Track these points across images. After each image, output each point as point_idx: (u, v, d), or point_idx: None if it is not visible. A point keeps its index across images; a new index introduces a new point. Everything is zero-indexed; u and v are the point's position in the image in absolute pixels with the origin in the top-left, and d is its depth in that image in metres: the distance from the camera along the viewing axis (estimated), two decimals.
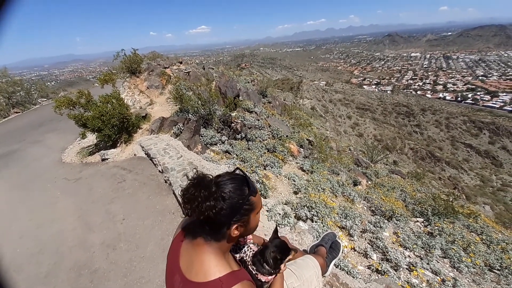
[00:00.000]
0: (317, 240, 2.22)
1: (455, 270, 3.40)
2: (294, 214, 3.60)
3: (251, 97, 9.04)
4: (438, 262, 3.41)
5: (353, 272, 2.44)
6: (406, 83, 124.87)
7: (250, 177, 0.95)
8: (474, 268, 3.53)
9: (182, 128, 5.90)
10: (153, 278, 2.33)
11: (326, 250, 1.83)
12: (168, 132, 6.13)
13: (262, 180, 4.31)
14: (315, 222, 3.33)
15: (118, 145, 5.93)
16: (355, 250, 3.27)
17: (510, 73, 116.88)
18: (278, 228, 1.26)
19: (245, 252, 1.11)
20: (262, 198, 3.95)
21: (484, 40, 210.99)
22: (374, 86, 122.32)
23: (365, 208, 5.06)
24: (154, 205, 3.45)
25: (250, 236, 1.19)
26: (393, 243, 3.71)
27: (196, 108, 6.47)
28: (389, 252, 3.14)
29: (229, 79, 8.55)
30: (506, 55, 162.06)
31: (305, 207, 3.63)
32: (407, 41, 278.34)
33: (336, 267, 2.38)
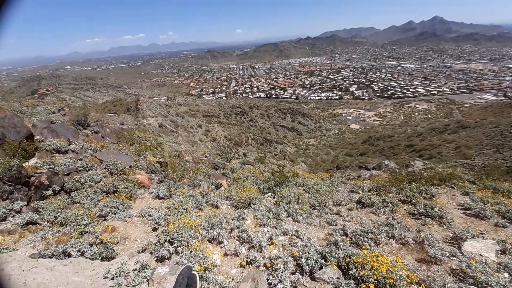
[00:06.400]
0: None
1: (296, 222, 4.46)
2: (155, 258, 3.00)
3: (59, 132, 6.65)
4: (285, 223, 4.29)
5: (225, 284, 2.39)
6: (233, 89, 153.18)
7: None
8: (305, 213, 4.83)
9: None
10: None
11: None
12: None
13: (100, 239, 3.21)
14: (180, 253, 2.95)
15: None
16: (227, 255, 3.31)
17: (288, 75, 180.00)
18: None
19: None
20: (106, 261, 2.94)
21: (268, 54, 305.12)
22: (211, 95, 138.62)
23: (229, 206, 5.39)
24: None
25: None
26: (255, 226, 4.20)
27: None
28: (253, 239, 3.48)
29: (8, 115, 5.66)
30: (282, 62, 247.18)
31: (166, 243, 3.14)
32: (224, 56, 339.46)
33: None
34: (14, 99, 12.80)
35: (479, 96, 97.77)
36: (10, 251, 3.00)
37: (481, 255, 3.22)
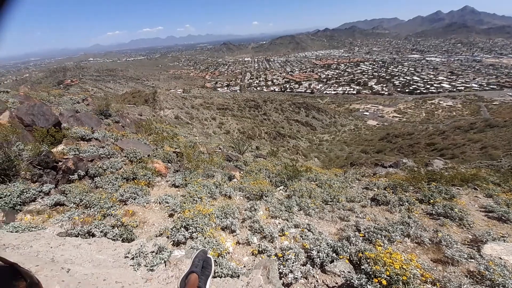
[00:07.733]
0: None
1: (308, 216, 4.47)
2: (172, 242, 3.16)
3: (84, 121, 7.03)
4: (297, 216, 4.32)
5: (237, 270, 2.48)
6: (248, 82, 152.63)
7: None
8: (317, 208, 4.81)
9: None
10: None
11: (198, 273, 1.66)
12: None
13: (121, 222, 3.42)
14: (195, 239, 3.09)
15: None
16: (239, 243, 3.41)
17: (304, 68, 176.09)
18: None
19: None
20: (126, 242, 3.14)
21: (284, 46, 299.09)
22: (226, 88, 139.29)
23: (242, 197, 5.49)
24: None
25: None
26: (267, 218, 4.26)
27: None
28: (264, 229, 3.55)
29: (37, 104, 6.08)
30: (298, 55, 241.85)
31: (182, 228, 3.28)
32: (239, 49, 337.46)
33: (218, 277, 2.30)
34: (42, 89, 13.60)
35: (510, 94, 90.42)
36: (39, 229, 3.29)
37: (500, 258, 3.07)
